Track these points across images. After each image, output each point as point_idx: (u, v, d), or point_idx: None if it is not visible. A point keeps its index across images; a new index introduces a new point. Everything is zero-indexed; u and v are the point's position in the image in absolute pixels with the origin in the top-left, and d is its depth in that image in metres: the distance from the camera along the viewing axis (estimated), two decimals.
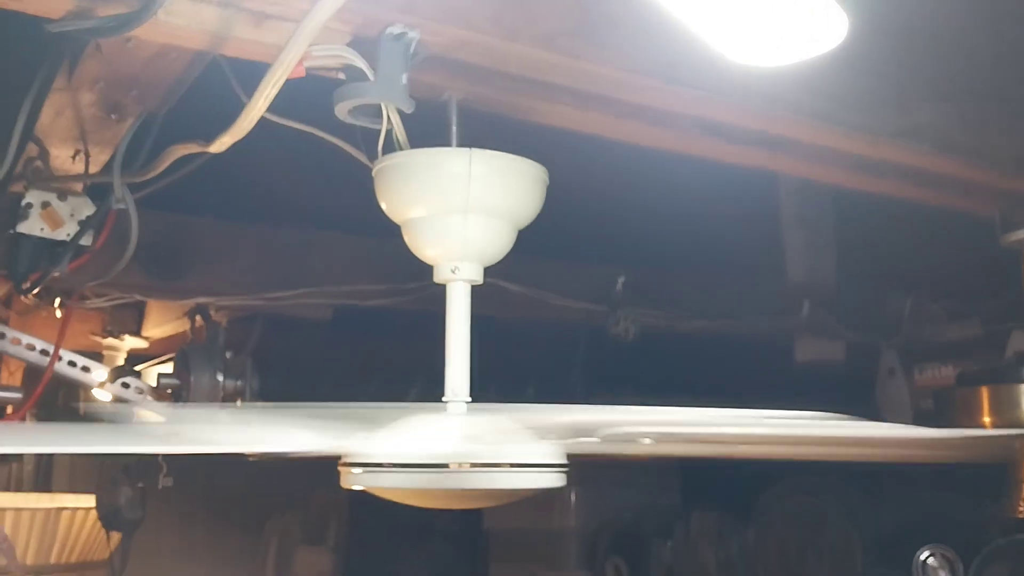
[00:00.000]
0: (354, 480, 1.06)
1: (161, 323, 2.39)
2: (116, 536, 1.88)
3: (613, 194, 2.06)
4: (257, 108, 0.96)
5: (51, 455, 3.26)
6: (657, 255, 2.20)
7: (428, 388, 1.59)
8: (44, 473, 3.43)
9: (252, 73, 1.06)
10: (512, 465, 1.06)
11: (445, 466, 1.04)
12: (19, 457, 3.07)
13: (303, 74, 0.96)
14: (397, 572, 4.30)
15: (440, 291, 1.62)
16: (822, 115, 1.28)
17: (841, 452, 1.23)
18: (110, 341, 2.47)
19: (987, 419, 1.57)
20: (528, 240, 2.05)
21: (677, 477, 3.98)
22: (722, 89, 1.19)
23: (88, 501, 2.30)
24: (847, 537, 3.30)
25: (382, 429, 1.07)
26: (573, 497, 3.86)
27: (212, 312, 1.91)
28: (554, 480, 1.09)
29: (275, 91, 0.94)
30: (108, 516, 1.87)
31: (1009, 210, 1.68)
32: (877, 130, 1.36)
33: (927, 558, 3.05)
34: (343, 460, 1.08)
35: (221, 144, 1.06)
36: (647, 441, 1.12)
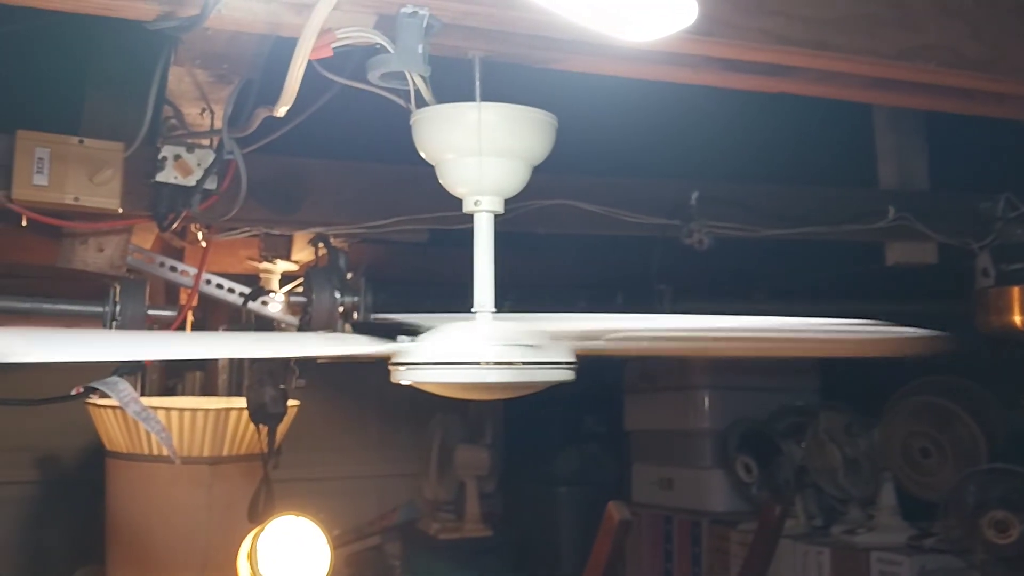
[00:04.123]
0: (401, 376, 1.32)
1: (304, 250, 2.72)
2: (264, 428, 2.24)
3: (686, 113, 2.20)
4: (293, 82, 1.21)
5: (240, 370, 3.64)
6: (739, 167, 2.33)
7: (519, 300, 1.83)
8: (237, 382, 3.82)
9: None
10: (528, 363, 1.29)
11: (475, 363, 1.28)
12: (203, 367, 3.51)
13: (330, 54, 1.20)
14: (548, 469, 4.63)
15: (514, 216, 1.86)
16: (814, 43, 1.40)
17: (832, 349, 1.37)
18: (265, 265, 2.83)
19: (1017, 318, 1.66)
20: (604, 162, 2.24)
21: (807, 379, 4.10)
22: (712, 31, 1.34)
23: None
24: (973, 436, 3.35)
25: (424, 335, 1.32)
26: (707, 401, 4.04)
27: (332, 239, 2.21)
28: (564, 375, 1.31)
29: (302, 70, 1.19)
30: (255, 412, 2.23)
31: None
32: (879, 52, 1.46)
33: None
34: (392, 360, 1.33)
35: (280, 110, 1.31)
36: (644, 343, 1.32)
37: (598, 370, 4.52)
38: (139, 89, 1.80)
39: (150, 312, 1.99)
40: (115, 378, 1.82)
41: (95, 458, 3.10)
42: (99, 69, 1.88)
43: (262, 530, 1.98)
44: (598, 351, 1.36)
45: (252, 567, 1.93)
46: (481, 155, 1.30)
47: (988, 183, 2.51)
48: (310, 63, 1.41)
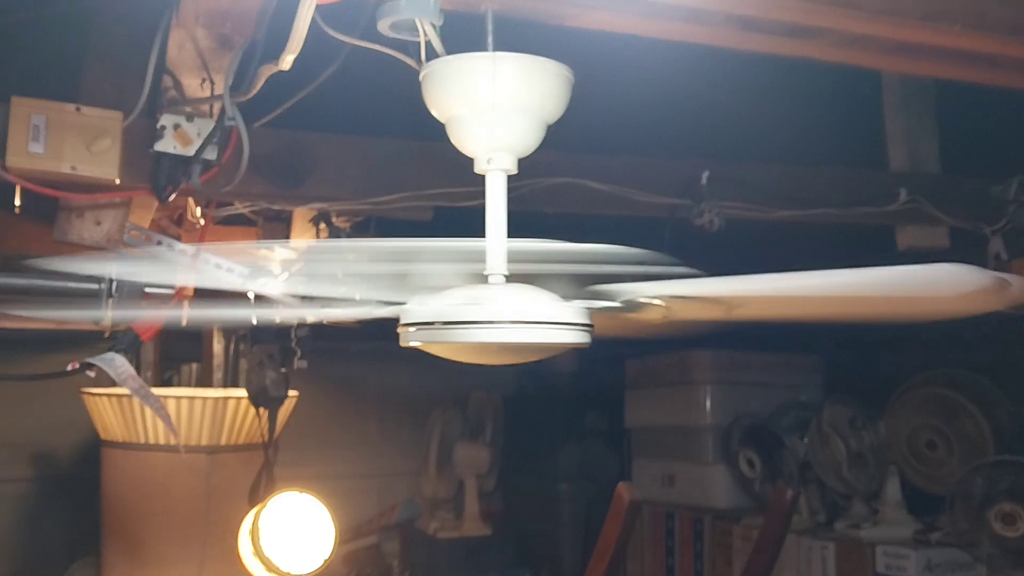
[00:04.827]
0: (410, 337, 1.26)
1: (304, 232, 2.67)
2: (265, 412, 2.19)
3: (699, 91, 2.17)
4: (301, 28, 1.17)
5: (235, 364, 3.59)
6: (747, 147, 2.29)
7: None
8: (232, 376, 3.73)
9: None
10: (543, 323, 1.24)
11: (488, 323, 1.23)
12: (200, 351, 3.46)
13: None
14: (548, 466, 4.58)
15: (521, 194, 1.80)
16: (839, 1, 1.36)
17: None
18: (264, 252, 2.78)
19: None
20: (613, 139, 2.20)
21: (810, 374, 4.06)
22: None
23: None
24: (979, 428, 3.31)
25: (435, 295, 1.27)
26: (708, 396, 4.00)
27: (334, 218, 2.17)
28: (579, 337, 1.26)
29: (310, 14, 1.14)
30: (256, 395, 2.18)
31: None
32: (903, 13, 1.42)
33: None
34: (401, 322, 1.28)
35: (286, 61, 1.27)
36: (660, 303, 1.27)
37: (598, 367, 4.51)
38: (139, 59, 1.75)
39: (147, 289, 1.94)
40: (111, 354, 1.78)
41: (91, 454, 3.06)
42: (98, 39, 1.83)
43: (264, 506, 1.93)
44: (614, 312, 1.32)
45: (254, 544, 1.87)
46: (495, 109, 1.25)
47: (1000, 167, 2.48)
48: (319, 31, 1.38)
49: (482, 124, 1.27)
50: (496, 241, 1.30)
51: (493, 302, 1.24)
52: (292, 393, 2.75)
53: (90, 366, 1.74)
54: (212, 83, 1.81)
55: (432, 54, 1.29)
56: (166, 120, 1.75)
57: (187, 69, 1.77)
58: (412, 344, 1.27)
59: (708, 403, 3.98)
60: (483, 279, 1.30)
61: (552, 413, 4.64)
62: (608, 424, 4.62)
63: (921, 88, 2.45)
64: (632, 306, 1.29)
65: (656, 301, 1.26)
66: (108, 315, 1.85)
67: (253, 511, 1.97)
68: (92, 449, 3.05)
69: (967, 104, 2.39)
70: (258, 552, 1.87)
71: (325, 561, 1.91)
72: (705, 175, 2.15)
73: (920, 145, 2.46)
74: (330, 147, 1.99)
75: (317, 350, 2.56)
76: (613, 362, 4.43)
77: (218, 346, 3.49)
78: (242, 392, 2.73)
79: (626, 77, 2.22)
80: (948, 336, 3.37)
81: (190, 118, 1.77)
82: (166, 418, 1.73)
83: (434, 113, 1.33)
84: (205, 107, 1.77)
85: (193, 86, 1.84)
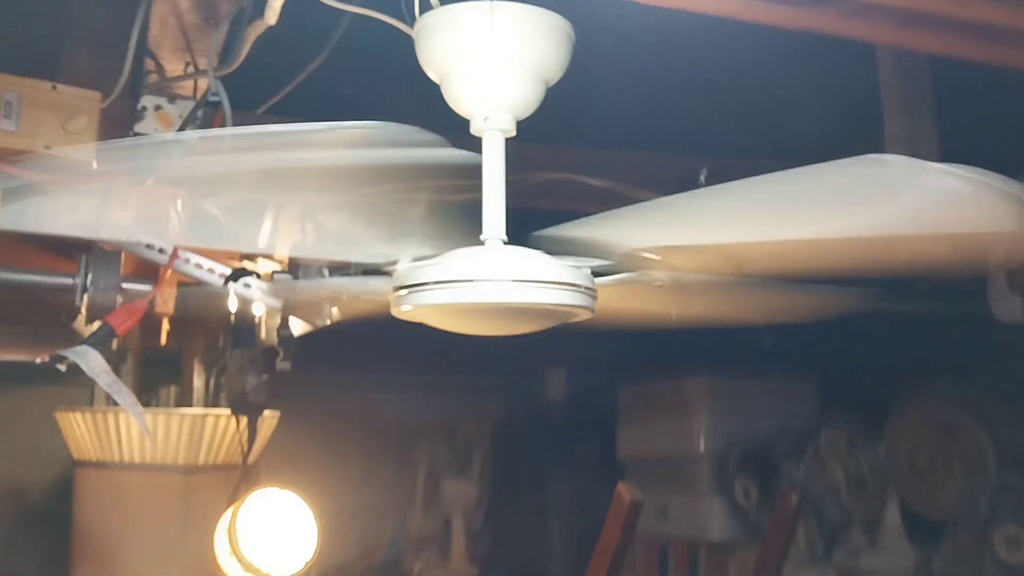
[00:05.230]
0: (404, 301, 1.19)
1: None
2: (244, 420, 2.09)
3: (695, 83, 2.12)
4: None
5: (216, 388, 3.48)
6: (742, 144, 2.25)
7: None
8: (213, 396, 3.61)
9: None
10: (544, 282, 1.16)
11: (487, 280, 1.15)
12: (180, 380, 3.37)
13: None
14: (538, 500, 4.47)
15: (515, 190, 1.72)
16: None
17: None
18: (247, 264, 2.70)
19: None
20: (610, 133, 2.14)
21: (806, 399, 3.98)
22: None
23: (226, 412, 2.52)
24: (980, 447, 3.22)
25: (431, 258, 1.20)
26: (703, 425, 3.91)
27: None
28: (583, 299, 1.19)
29: None
30: (235, 401, 2.09)
31: None
32: None
33: None
34: (394, 286, 1.20)
35: (272, 11, 1.20)
36: (655, 256, 1.20)
37: (589, 396, 4.41)
38: (119, 41, 1.69)
39: (124, 285, 1.86)
40: (84, 347, 1.69)
41: (63, 488, 2.97)
42: (78, 20, 1.77)
43: (242, 503, 1.82)
44: (615, 277, 1.25)
45: (232, 544, 1.77)
46: (492, 63, 1.19)
47: (1002, 166, 2.43)
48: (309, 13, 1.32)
49: (478, 79, 1.20)
50: (494, 205, 1.23)
51: (490, 262, 1.17)
52: (273, 413, 2.65)
53: (61, 359, 1.64)
54: (196, 67, 1.75)
55: (427, 9, 1.23)
56: (147, 101, 1.69)
57: (170, 50, 1.71)
58: (404, 309, 1.20)
59: (703, 431, 3.90)
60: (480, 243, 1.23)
61: (542, 445, 4.55)
62: (600, 456, 4.52)
63: (921, 88, 2.41)
64: (628, 262, 1.22)
65: (650, 252, 1.19)
66: (83, 309, 1.76)
67: (230, 509, 1.86)
68: (64, 483, 2.96)
69: (968, 103, 2.36)
70: (235, 551, 1.76)
71: (307, 563, 1.81)
72: (703, 172, 2.09)
73: (920, 146, 2.41)
74: None
75: (298, 383, 2.47)
76: (604, 392, 4.35)
77: (198, 381, 3.39)
78: (220, 411, 2.64)
79: (626, 75, 2.19)
80: (945, 350, 3.31)
81: (172, 99, 1.70)
82: (139, 415, 1.64)
83: (429, 73, 1.26)
84: (188, 87, 1.71)
85: (176, 71, 1.78)
